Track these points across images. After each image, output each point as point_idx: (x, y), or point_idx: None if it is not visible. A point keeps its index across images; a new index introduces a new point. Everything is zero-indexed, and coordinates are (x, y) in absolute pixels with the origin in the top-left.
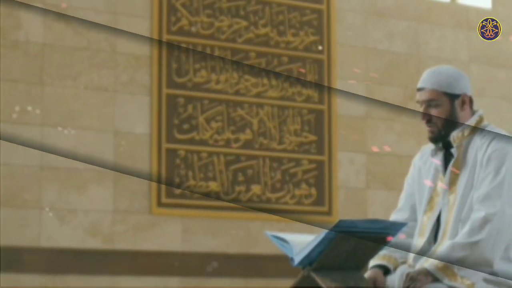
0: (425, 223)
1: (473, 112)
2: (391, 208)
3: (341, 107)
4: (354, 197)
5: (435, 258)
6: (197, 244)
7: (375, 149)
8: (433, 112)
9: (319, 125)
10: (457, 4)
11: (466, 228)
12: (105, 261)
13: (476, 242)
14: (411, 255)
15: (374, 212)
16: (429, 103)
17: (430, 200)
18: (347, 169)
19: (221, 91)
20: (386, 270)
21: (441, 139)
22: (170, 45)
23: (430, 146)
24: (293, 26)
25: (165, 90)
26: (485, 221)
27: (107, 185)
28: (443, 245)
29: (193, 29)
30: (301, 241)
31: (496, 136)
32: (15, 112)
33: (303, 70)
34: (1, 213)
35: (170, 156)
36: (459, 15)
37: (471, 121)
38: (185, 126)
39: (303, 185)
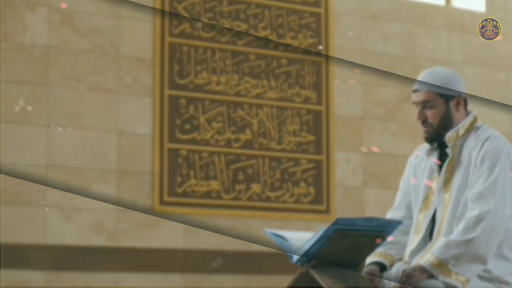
0: (421, 221)
1: (467, 113)
2: (388, 207)
3: (339, 108)
4: (351, 196)
5: (430, 255)
6: (198, 242)
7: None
8: (429, 113)
9: (317, 126)
10: (452, 7)
11: (461, 226)
12: (109, 258)
13: (471, 240)
14: (407, 252)
15: (371, 210)
16: (424, 104)
17: (426, 199)
18: (345, 168)
19: (222, 92)
20: (382, 267)
21: (437, 139)
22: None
23: (426, 146)
24: (292, 29)
25: (167, 92)
26: (479, 219)
27: (111, 184)
28: (438, 243)
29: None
30: (300, 238)
31: (490, 136)
32: (21, 112)
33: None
34: (7, 211)
35: (172, 156)
36: (453, 18)
37: (466, 122)
38: (187, 126)
39: (302, 184)
